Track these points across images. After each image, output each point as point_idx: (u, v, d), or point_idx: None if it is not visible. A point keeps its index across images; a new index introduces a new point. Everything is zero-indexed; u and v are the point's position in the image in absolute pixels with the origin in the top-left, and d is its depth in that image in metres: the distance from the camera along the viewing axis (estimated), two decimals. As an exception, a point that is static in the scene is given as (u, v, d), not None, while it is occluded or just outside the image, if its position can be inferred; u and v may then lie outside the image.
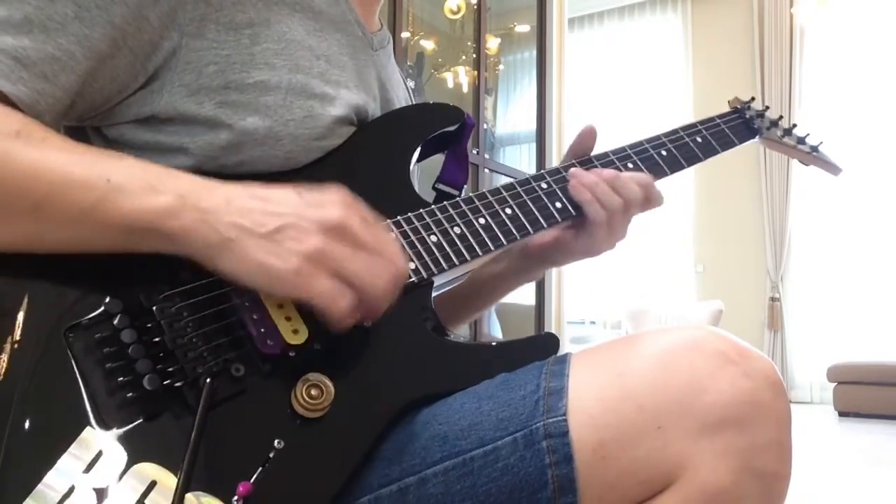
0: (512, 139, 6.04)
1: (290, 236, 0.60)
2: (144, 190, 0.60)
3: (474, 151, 4.39)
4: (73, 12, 0.65)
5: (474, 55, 4.71)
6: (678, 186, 7.17)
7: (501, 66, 6.05)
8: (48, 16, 0.65)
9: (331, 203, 0.62)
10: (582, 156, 0.93)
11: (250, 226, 0.60)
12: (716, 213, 7.33)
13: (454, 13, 5.15)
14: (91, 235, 0.61)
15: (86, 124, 0.74)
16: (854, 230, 6.72)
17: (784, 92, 6.98)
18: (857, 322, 6.63)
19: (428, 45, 5.43)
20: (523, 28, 5.71)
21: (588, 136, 0.93)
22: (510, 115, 6.04)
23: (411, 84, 4.97)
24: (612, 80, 7.78)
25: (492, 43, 5.49)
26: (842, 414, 5.95)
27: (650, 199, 0.90)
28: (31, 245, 0.61)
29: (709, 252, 7.38)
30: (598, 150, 0.94)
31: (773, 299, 7.03)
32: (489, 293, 1.03)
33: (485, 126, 4.74)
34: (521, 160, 5.72)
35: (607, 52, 7.90)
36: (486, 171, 4.43)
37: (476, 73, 4.68)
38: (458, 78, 5.36)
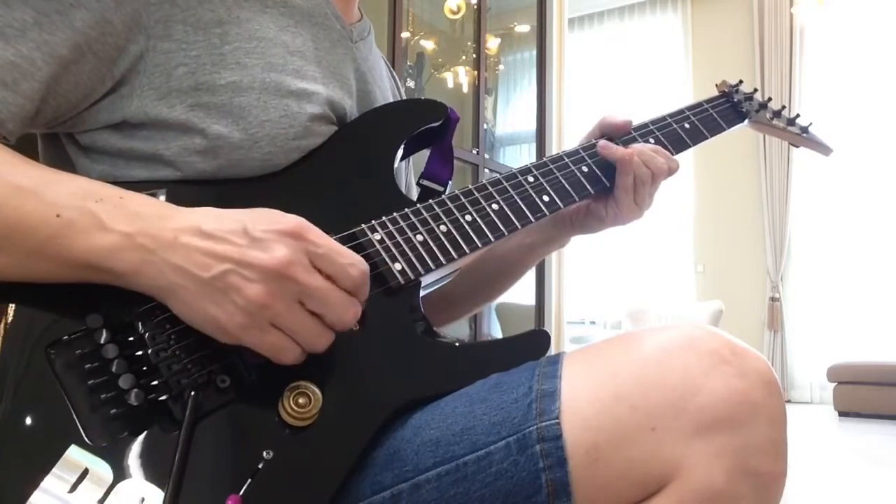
0: (512, 139, 6.04)
1: (233, 285, 0.59)
2: (94, 226, 0.59)
3: (474, 151, 4.39)
4: (31, 18, 0.64)
5: (474, 55, 4.71)
6: (678, 187, 7.17)
7: (501, 66, 6.05)
8: (6, 23, 0.64)
9: (278, 241, 0.60)
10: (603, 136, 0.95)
11: (193, 269, 0.59)
12: (716, 213, 7.32)
13: (454, 13, 5.14)
14: (51, 269, 0.60)
15: (57, 131, 0.73)
16: (854, 230, 6.71)
17: (784, 92, 6.97)
18: (857, 322, 6.62)
19: (428, 45, 5.42)
20: (523, 28, 5.70)
21: (621, 128, 0.95)
22: (510, 115, 6.04)
23: (410, 84, 4.97)
24: (612, 81, 7.76)
25: (492, 43, 5.48)
26: (842, 414, 5.94)
27: (673, 170, 0.93)
28: None
29: (709, 252, 7.37)
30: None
31: (773, 299, 7.03)
32: (517, 265, 1.03)
33: (485, 126, 4.73)
34: (521, 160, 5.71)
35: (607, 52, 7.89)
36: (487, 171, 4.42)
37: (476, 73, 4.68)
38: (458, 78, 5.35)
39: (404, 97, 1.04)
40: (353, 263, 0.63)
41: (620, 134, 0.94)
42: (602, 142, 0.91)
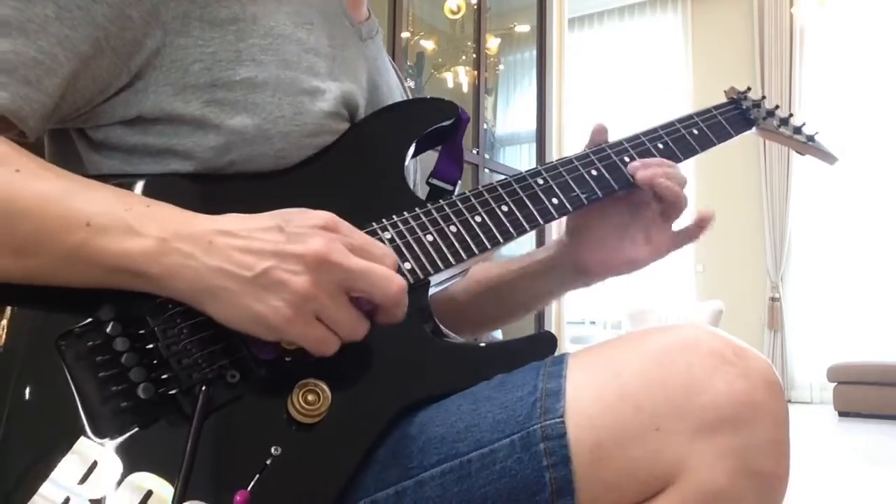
0: (512, 139, 6.03)
1: (276, 280, 0.59)
2: (125, 232, 0.59)
3: (474, 151, 4.39)
4: (53, 13, 0.64)
5: (474, 55, 4.71)
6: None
7: (501, 66, 6.04)
8: (28, 18, 0.63)
9: (313, 234, 0.61)
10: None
11: (235, 270, 0.59)
12: (716, 212, 7.31)
13: (454, 13, 5.14)
14: (78, 275, 0.61)
15: (68, 126, 0.73)
16: (854, 230, 6.72)
17: (784, 92, 6.98)
18: (857, 322, 6.62)
19: (428, 45, 5.42)
20: (523, 28, 5.70)
21: (599, 134, 0.93)
22: (510, 115, 6.03)
23: (411, 84, 4.98)
24: (612, 80, 7.77)
25: (492, 43, 5.48)
26: (842, 414, 5.94)
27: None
28: (19, 280, 0.61)
29: (709, 252, 7.37)
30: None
31: (773, 299, 7.03)
32: (532, 307, 1.02)
33: (485, 126, 4.73)
34: (521, 160, 5.71)
35: (607, 52, 7.89)
36: (486, 171, 4.43)
37: (476, 73, 4.68)
38: (458, 78, 5.35)
39: (408, 95, 1.05)
40: (385, 254, 0.65)
41: (602, 138, 0.93)
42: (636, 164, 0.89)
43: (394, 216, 0.75)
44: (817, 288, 6.89)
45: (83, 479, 0.56)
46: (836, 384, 6.02)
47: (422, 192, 0.89)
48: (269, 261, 0.60)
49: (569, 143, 5.10)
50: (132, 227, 0.60)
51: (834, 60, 6.87)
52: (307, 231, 0.61)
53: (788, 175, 7.00)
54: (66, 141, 0.75)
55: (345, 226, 0.64)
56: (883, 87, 6.65)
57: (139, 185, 0.69)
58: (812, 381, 6.87)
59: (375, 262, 0.63)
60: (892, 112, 6.61)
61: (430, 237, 0.75)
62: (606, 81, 7.77)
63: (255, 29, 0.74)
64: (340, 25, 0.84)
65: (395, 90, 0.96)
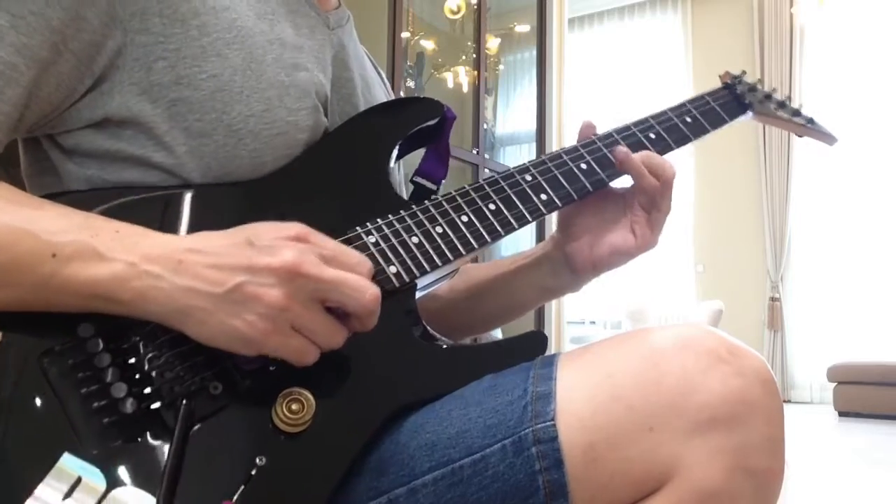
0: (512, 139, 6.03)
1: (251, 294, 0.59)
2: (92, 259, 0.59)
3: (474, 151, 4.39)
4: (7, 22, 0.63)
5: (474, 55, 4.71)
6: (678, 186, 7.15)
7: (501, 66, 6.04)
8: None
9: (283, 245, 0.60)
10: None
11: (206, 287, 0.59)
12: (716, 213, 7.32)
13: (454, 13, 5.14)
14: (53, 304, 0.60)
15: (37, 134, 0.72)
16: (854, 230, 6.71)
17: (784, 92, 6.95)
18: (857, 322, 6.62)
19: (428, 45, 5.42)
20: (523, 28, 5.70)
21: (587, 130, 0.92)
22: (510, 115, 6.03)
23: (411, 84, 4.97)
24: (612, 81, 7.76)
25: (492, 43, 5.48)
26: (842, 414, 5.94)
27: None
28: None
29: (709, 252, 7.37)
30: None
31: (773, 299, 7.03)
32: (526, 305, 1.00)
33: (485, 126, 4.73)
34: (522, 160, 5.67)
35: (607, 52, 7.89)
36: (486, 171, 4.42)
37: (476, 73, 4.68)
38: (458, 78, 5.35)
39: (391, 92, 1.03)
40: (360, 262, 0.64)
41: (588, 135, 0.91)
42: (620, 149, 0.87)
43: (378, 219, 0.73)
44: (817, 288, 6.89)
45: (66, 496, 0.56)
46: (836, 384, 6.02)
47: (405, 191, 0.88)
48: (241, 276, 0.59)
49: (569, 142, 5.08)
50: (99, 253, 0.59)
51: (834, 60, 6.87)
52: (277, 243, 0.60)
53: (788, 175, 7.00)
54: (39, 153, 0.74)
55: (316, 236, 0.63)
56: (883, 86, 6.65)
57: (111, 206, 0.68)
58: (812, 381, 6.87)
59: (349, 271, 0.62)
60: (893, 112, 6.60)
61: (415, 239, 0.73)
62: (606, 81, 7.77)
63: (218, 23, 0.72)
64: (304, 14, 0.83)
65: (373, 81, 0.94)
